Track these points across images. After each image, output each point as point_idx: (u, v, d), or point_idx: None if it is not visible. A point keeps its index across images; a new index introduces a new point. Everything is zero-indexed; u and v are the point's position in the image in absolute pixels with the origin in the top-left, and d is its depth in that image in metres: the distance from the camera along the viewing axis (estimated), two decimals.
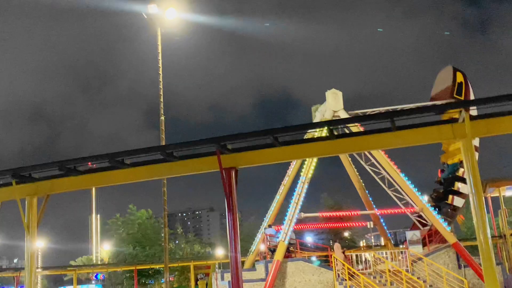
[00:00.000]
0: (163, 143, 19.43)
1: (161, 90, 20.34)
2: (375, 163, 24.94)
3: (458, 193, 25.28)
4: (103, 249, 45.17)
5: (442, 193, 25.85)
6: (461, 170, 24.99)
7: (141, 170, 9.45)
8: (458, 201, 25.25)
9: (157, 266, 33.05)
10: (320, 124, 12.27)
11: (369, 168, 25.13)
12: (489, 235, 7.68)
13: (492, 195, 27.78)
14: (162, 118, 20.13)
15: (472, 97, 24.44)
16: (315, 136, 15.12)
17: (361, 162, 25.47)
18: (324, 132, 15.21)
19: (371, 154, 24.50)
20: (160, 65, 20.16)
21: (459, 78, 24.54)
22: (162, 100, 20.39)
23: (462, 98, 23.60)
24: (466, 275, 22.63)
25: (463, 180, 24.90)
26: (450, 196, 25.31)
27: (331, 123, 9.03)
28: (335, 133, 9.21)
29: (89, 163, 9.68)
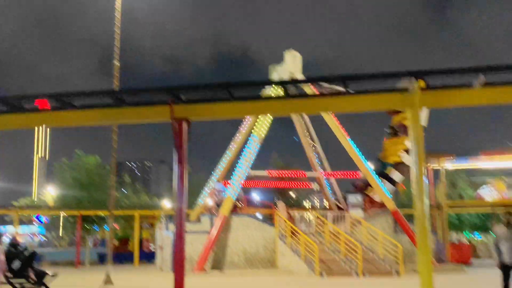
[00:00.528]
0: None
1: (118, 35, 19.72)
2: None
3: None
4: (48, 192, 44.30)
5: (365, 185, 26.59)
6: (390, 169, 25.77)
7: (90, 114, 9.20)
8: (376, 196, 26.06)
9: (102, 213, 32.87)
10: (277, 82, 12.31)
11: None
12: (426, 204, 8.02)
13: (433, 167, 28.92)
14: (117, 63, 19.59)
15: None
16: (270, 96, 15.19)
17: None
18: (279, 91, 15.28)
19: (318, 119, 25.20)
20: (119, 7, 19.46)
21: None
22: (118, 44, 19.79)
23: None
24: (401, 241, 23.74)
25: (388, 178, 25.73)
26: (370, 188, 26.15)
27: (287, 82, 9.09)
28: (290, 93, 9.27)
29: (36, 102, 9.35)
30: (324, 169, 27.88)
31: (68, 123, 9.58)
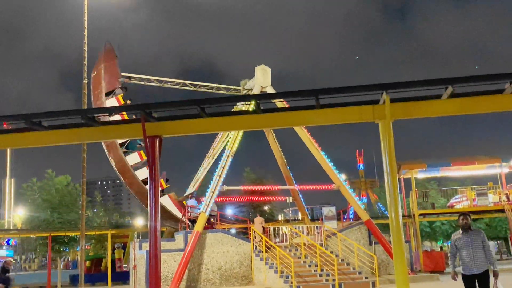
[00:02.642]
0: (85, 108, 18.77)
1: (85, 52, 19.55)
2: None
3: None
4: (16, 214, 43.22)
5: None
6: None
7: (60, 133, 9.04)
8: None
9: (72, 234, 32.17)
10: (248, 98, 12.35)
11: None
12: (400, 214, 8.12)
13: (404, 177, 29.34)
14: (85, 81, 19.39)
15: None
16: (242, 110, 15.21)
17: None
18: (251, 107, 15.31)
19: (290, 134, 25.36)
20: (86, 25, 19.32)
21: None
22: (86, 62, 19.62)
23: None
24: (376, 251, 23.94)
25: None
26: None
27: (259, 97, 9.12)
28: (262, 108, 9.30)
29: (4, 124, 9.16)
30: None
31: (38, 144, 9.39)
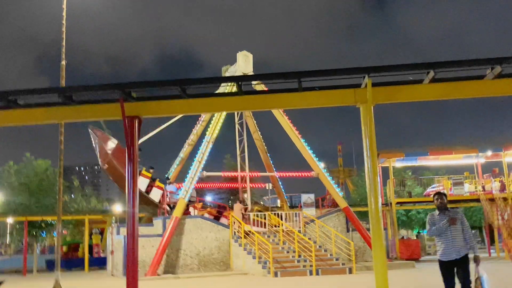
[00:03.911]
0: None
1: (64, 33, 19.11)
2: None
3: None
4: None
5: None
6: None
7: (36, 112, 8.83)
8: None
9: (49, 218, 31.78)
10: (230, 79, 12.26)
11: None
12: (380, 198, 8.12)
13: (382, 165, 29.59)
14: (63, 63, 18.97)
15: None
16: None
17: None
18: (233, 89, 15.17)
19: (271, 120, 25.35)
20: (64, 5, 18.86)
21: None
22: (64, 44, 19.18)
23: None
24: (353, 238, 24.18)
25: None
26: None
27: (241, 79, 9.03)
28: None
29: None
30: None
31: (13, 122, 9.17)
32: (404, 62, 7.94)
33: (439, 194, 7.66)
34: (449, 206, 7.62)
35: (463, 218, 7.47)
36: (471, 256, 7.33)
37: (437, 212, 7.61)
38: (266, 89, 19.92)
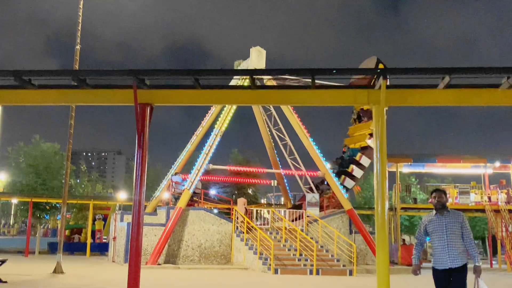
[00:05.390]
0: None
1: (80, 18, 19.22)
2: (282, 128, 25.97)
3: (350, 175, 26.56)
4: None
5: (338, 172, 27.01)
6: (359, 154, 26.27)
7: (50, 93, 8.86)
8: (348, 183, 26.52)
9: (54, 201, 31.96)
10: (243, 72, 12.23)
11: (276, 133, 26.16)
12: (386, 198, 8.06)
13: (389, 170, 29.46)
14: (78, 47, 19.09)
15: None
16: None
17: (270, 125, 26.27)
18: (245, 83, 15.18)
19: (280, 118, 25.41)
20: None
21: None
22: (79, 28, 19.31)
23: None
24: (356, 240, 24.13)
25: (358, 164, 26.25)
26: (342, 176, 26.56)
27: (254, 72, 9.01)
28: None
29: None
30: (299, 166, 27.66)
31: (27, 102, 9.21)
32: (416, 66, 7.89)
33: (437, 191, 6.64)
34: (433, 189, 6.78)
35: (464, 221, 6.46)
36: (471, 265, 6.35)
37: (433, 212, 6.61)
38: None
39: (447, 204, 6.76)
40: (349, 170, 26.48)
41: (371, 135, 25.14)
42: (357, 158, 26.42)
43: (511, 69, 7.51)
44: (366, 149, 26.20)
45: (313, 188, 25.96)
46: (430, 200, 6.79)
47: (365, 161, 26.24)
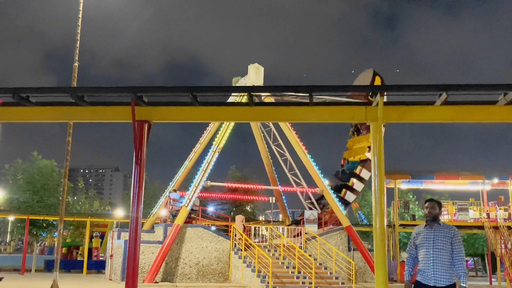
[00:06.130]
0: None
1: (78, 35, 19.30)
2: (282, 144, 25.98)
3: (351, 189, 26.52)
4: None
5: (338, 186, 26.99)
6: (359, 168, 26.28)
7: (48, 110, 8.86)
8: (349, 197, 26.47)
9: (51, 218, 31.79)
10: (242, 89, 12.27)
11: (275, 149, 26.17)
12: (385, 216, 8.01)
13: (388, 186, 29.41)
14: (76, 64, 19.14)
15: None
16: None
17: (269, 141, 26.29)
18: (243, 100, 15.19)
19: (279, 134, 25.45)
20: (81, 7, 19.05)
21: (377, 82, 25.51)
22: (78, 45, 19.38)
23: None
24: (354, 258, 24.00)
25: (359, 178, 26.23)
26: (344, 190, 26.53)
27: (252, 89, 9.03)
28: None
29: None
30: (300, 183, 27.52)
31: (25, 119, 9.19)
32: (412, 83, 7.91)
33: (431, 201, 6.16)
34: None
35: (455, 236, 5.91)
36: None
37: (423, 224, 6.12)
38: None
39: (447, 220, 6.63)
40: (350, 183, 26.43)
41: (370, 148, 25.15)
42: (356, 171, 26.38)
43: (508, 86, 7.54)
44: (365, 162, 26.15)
45: (315, 203, 25.89)
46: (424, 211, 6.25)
47: (365, 174, 26.20)
